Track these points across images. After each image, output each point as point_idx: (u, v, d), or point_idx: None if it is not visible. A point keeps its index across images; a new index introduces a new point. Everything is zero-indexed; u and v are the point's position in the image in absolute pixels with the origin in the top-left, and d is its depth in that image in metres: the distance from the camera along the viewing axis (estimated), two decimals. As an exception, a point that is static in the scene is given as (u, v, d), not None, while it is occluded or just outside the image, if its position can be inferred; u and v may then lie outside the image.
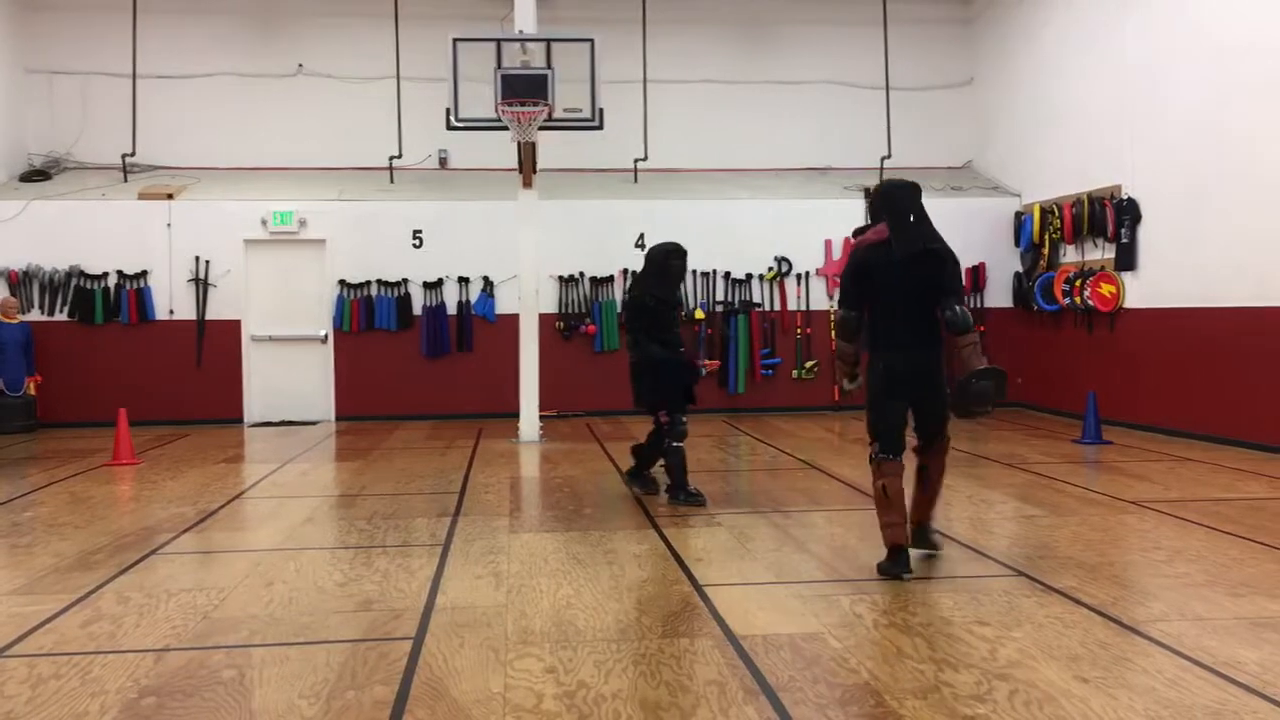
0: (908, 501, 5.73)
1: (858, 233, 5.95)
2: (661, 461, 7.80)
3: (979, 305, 14.33)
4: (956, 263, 5.72)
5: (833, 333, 5.79)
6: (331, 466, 10.04)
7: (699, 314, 13.94)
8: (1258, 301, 10.00)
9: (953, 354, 5.69)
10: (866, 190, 6.16)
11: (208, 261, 13.47)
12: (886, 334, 5.62)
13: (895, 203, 5.67)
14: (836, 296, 5.95)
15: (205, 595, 5.25)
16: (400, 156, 14.16)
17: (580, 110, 11.29)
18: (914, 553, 5.69)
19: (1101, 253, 12.33)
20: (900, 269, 5.54)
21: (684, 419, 7.59)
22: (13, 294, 13.01)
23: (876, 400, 5.66)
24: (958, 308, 5.61)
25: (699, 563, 5.84)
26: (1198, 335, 10.79)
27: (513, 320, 12.00)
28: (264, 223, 13.54)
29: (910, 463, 5.73)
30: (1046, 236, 13.22)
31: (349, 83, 14.69)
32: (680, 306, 8.18)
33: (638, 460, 8.15)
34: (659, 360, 7.58)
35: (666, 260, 7.77)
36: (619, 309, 13.74)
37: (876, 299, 5.63)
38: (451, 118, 11.27)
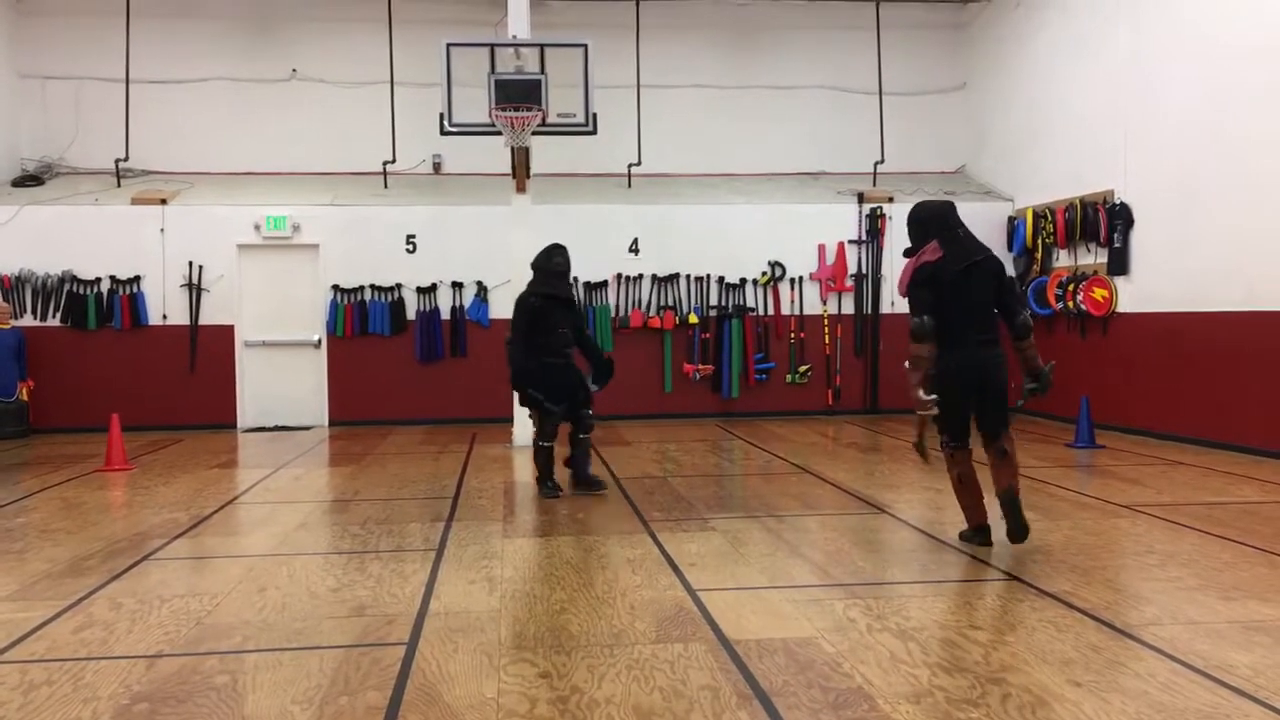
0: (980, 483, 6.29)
1: (908, 253, 6.52)
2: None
3: (972, 310, 14.33)
4: (1007, 272, 6.29)
5: (911, 345, 6.28)
6: (325, 471, 10.02)
7: (692, 318, 13.95)
8: (1250, 306, 10.02)
9: (1012, 353, 6.28)
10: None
11: (201, 266, 13.46)
12: (952, 337, 6.10)
13: (945, 220, 6.39)
14: (908, 308, 6.42)
15: (198, 601, 5.24)
16: (394, 161, 14.16)
17: (574, 115, 11.30)
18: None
19: (1094, 257, 12.36)
20: (961, 278, 6.13)
21: (552, 422, 8.12)
22: (5, 299, 12.98)
23: (943, 397, 6.10)
24: (1026, 315, 6.34)
25: (692, 567, 5.83)
26: (1190, 339, 10.82)
27: (506, 325, 11.95)
28: (257, 228, 13.53)
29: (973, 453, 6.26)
30: (1039, 241, 13.25)
31: (342, 88, 14.69)
32: (571, 301, 8.46)
33: (575, 467, 8.33)
34: (522, 364, 8.10)
35: (549, 259, 8.28)
36: (611, 314, 13.78)
37: (943, 307, 6.10)
38: (445, 123, 11.27)
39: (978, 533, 6.28)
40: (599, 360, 8.54)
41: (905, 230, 6.70)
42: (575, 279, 13.77)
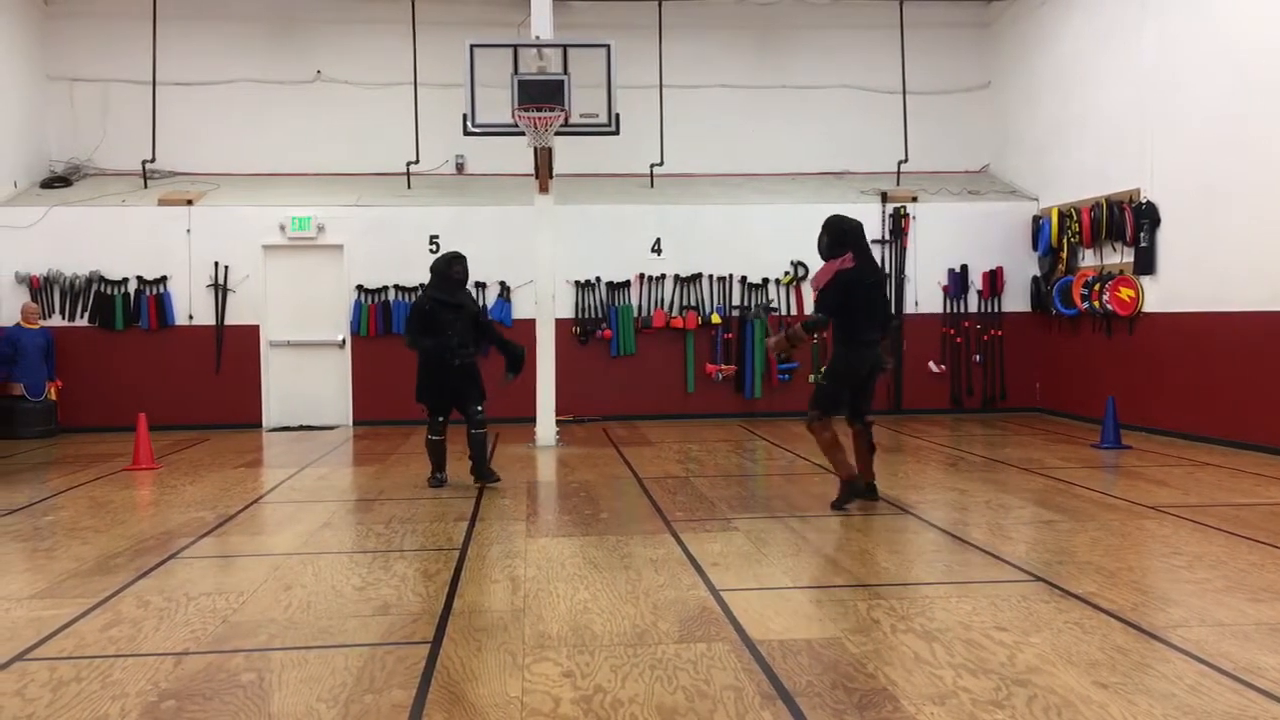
0: (853, 462, 7.63)
1: (828, 256, 7.55)
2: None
3: (997, 309, 14.28)
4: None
5: (796, 327, 7.54)
6: (349, 471, 10.07)
7: (715, 318, 13.94)
8: (1277, 305, 9.93)
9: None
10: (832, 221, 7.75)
11: (227, 267, 13.55)
12: (856, 334, 7.37)
13: (860, 237, 7.53)
14: (819, 305, 7.49)
15: (224, 599, 5.28)
16: (417, 162, 14.22)
17: (597, 115, 11.31)
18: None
19: (1120, 256, 12.27)
20: (872, 289, 7.48)
21: (480, 409, 8.76)
22: (34, 300, 13.11)
23: (840, 379, 7.48)
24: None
25: (715, 567, 5.83)
26: (1217, 339, 10.73)
27: (529, 325, 12.01)
28: (282, 228, 13.62)
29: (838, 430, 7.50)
30: (1065, 240, 13.16)
31: (366, 89, 14.77)
32: (462, 308, 8.85)
33: (475, 459, 8.77)
34: (432, 355, 8.60)
35: (449, 266, 8.77)
36: (634, 314, 13.79)
37: (850, 309, 7.31)
38: (468, 123, 11.31)
39: (852, 488, 7.46)
40: (509, 353, 9.01)
41: (822, 234, 7.69)
42: (598, 279, 13.85)
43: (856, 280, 7.30)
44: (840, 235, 7.52)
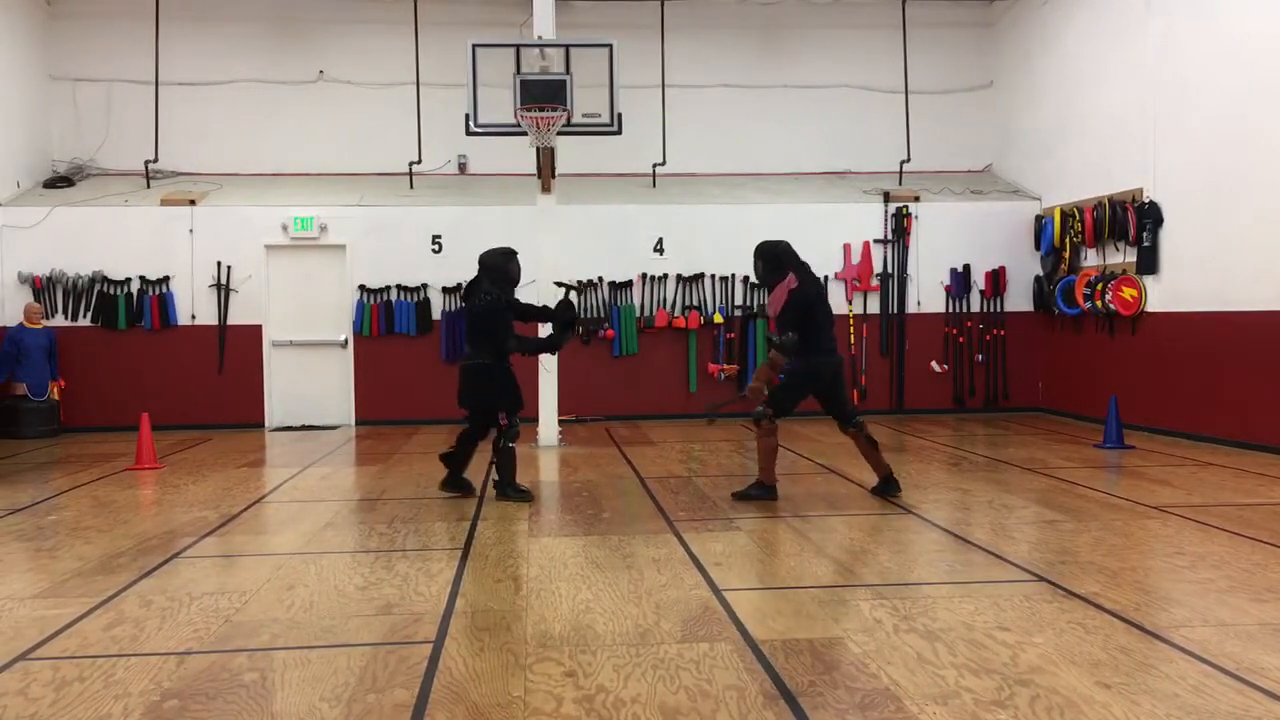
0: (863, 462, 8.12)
1: (770, 282, 7.91)
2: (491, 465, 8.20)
3: (1000, 309, 14.28)
4: None
5: (773, 354, 7.69)
6: (352, 471, 10.08)
7: (717, 318, 13.94)
8: (1281, 305, 9.93)
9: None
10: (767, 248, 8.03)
11: (229, 267, 13.56)
12: (815, 346, 7.66)
13: (794, 255, 7.86)
14: (784, 325, 7.68)
15: (227, 599, 5.28)
16: (420, 162, 14.23)
17: (599, 115, 11.31)
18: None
19: (1123, 256, 12.26)
20: (821, 301, 7.85)
21: (518, 421, 8.12)
22: (37, 299, 13.12)
23: (798, 388, 7.76)
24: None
25: (718, 567, 5.83)
26: (1220, 339, 10.72)
27: (531, 325, 11.99)
28: (285, 228, 13.63)
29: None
30: (1067, 240, 13.16)
31: (369, 89, 14.78)
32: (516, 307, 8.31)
33: (452, 466, 8.25)
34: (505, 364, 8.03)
35: (507, 263, 8.10)
36: (637, 314, 13.79)
37: (809, 323, 7.62)
38: (471, 123, 11.31)
39: (769, 491, 7.82)
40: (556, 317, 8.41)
41: (757, 262, 8.03)
42: (600, 279, 13.86)
43: (812, 296, 7.71)
44: (775, 259, 7.88)
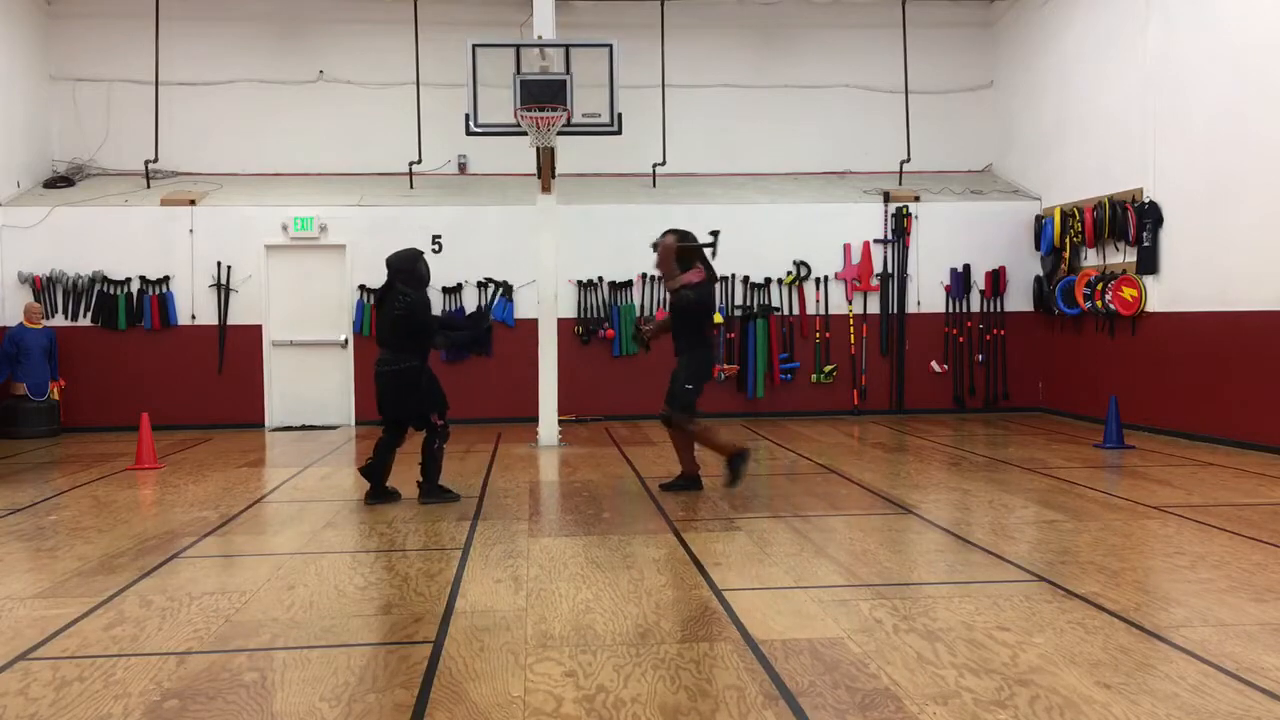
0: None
1: (684, 272, 8.23)
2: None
3: (999, 309, 14.28)
4: None
5: (668, 313, 8.40)
6: (352, 471, 10.07)
7: (717, 318, 13.93)
8: (1281, 305, 9.93)
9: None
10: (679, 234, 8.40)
11: (229, 267, 13.56)
12: (708, 338, 8.31)
13: (701, 250, 8.36)
14: (689, 300, 8.13)
15: (227, 599, 5.28)
16: (420, 162, 14.24)
17: (599, 115, 11.31)
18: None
19: (1123, 256, 12.26)
20: (713, 295, 8.50)
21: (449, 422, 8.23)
22: (36, 299, 13.13)
23: (703, 380, 8.22)
24: None
25: (718, 567, 5.83)
26: (1220, 339, 10.72)
27: (532, 325, 12.02)
28: (285, 228, 13.63)
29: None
30: (1067, 240, 13.16)
31: (369, 89, 14.78)
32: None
33: (374, 478, 8.09)
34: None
35: (415, 264, 8.15)
36: (637, 314, 13.80)
37: (707, 315, 8.25)
38: (471, 123, 11.31)
39: (691, 481, 8.35)
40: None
41: (679, 252, 8.26)
42: (600, 279, 13.86)
43: (710, 290, 8.33)
44: (685, 254, 8.26)
